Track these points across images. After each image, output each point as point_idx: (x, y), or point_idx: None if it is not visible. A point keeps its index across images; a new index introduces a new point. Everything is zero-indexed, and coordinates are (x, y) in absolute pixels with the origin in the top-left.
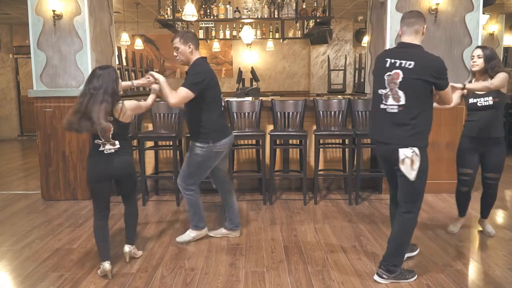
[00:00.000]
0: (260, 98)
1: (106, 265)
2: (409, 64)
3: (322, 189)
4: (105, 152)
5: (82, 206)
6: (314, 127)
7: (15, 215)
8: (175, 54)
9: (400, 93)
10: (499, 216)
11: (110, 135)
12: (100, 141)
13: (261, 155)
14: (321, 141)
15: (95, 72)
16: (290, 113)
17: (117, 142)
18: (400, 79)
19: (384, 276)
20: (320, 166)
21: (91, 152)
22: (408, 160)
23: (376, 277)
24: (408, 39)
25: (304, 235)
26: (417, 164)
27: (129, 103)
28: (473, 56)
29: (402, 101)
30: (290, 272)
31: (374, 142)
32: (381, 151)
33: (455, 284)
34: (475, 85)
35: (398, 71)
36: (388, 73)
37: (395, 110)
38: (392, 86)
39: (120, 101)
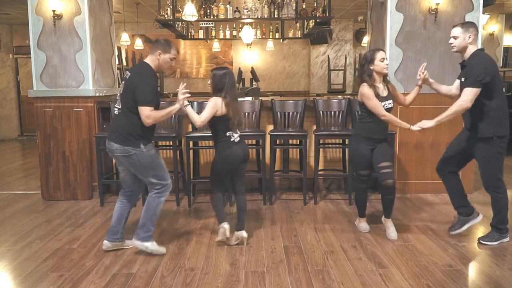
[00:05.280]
0: (260, 98)
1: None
2: None
3: (322, 189)
4: None
5: (82, 206)
6: (314, 127)
7: (15, 215)
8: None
9: None
10: None
11: None
12: None
13: (261, 155)
14: (321, 141)
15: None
16: (290, 113)
17: None
18: None
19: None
20: (320, 166)
21: None
22: None
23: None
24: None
25: (304, 235)
26: None
27: None
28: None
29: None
30: (290, 272)
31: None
32: None
33: (455, 284)
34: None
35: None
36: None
37: None
38: None
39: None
